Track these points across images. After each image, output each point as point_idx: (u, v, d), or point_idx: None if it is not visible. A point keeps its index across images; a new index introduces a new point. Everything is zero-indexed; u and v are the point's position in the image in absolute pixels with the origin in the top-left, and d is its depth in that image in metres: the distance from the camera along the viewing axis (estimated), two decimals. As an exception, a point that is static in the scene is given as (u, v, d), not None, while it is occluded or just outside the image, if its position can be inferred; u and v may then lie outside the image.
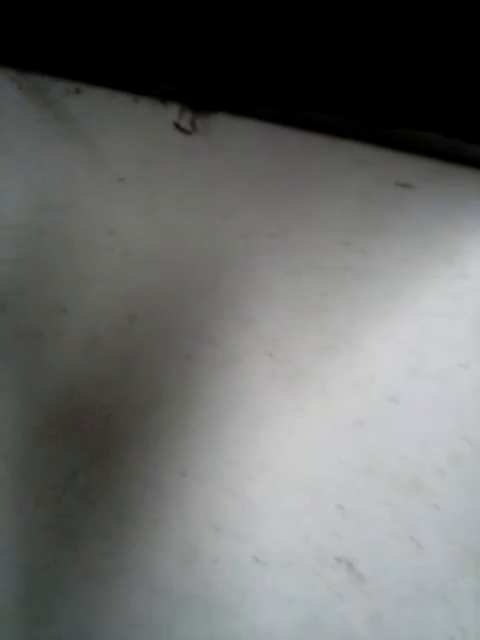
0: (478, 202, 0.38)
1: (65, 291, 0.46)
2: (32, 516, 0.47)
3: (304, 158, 0.41)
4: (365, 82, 0.35)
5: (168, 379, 0.45)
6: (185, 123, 0.42)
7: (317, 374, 0.42)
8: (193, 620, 0.44)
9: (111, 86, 0.44)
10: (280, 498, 0.43)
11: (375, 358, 0.41)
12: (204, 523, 0.45)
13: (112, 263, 0.46)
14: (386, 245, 0.40)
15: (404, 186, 0.39)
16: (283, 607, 0.43)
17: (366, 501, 0.41)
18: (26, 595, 0.47)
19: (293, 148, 0.41)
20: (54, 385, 0.47)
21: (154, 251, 0.45)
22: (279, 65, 0.38)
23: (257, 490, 0.43)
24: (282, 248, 0.42)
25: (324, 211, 0.41)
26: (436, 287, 0.40)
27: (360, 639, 0.41)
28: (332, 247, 0.41)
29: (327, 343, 0.41)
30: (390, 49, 0.34)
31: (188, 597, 0.45)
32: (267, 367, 0.42)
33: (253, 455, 0.43)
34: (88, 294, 0.46)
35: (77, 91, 0.45)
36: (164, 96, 0.42)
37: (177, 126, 0.42)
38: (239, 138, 0.42)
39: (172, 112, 0.43)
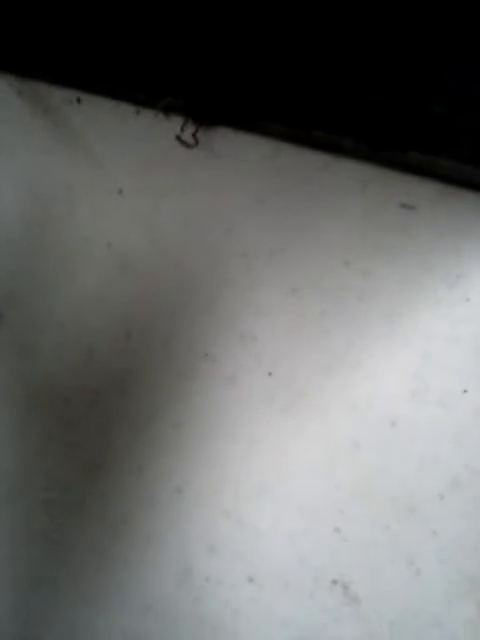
0: (483, 226, 0.38)
1: (62, 304, 0.46)
2: (26, 530, 0.47)
3: (307, 176, 0.40)
4: (378, 105, 0.34)
5: (165, 395, 0.45)
6: (187, 136, 0.42)
7: (316, 395, 0.41)
8: (186, 638, 0.44)
9: (113, 97, 0.43)
10: (276, 519, 0.42)
11: (375, 380, 0.40)
12: (198, 541, 0.44)
13: (110, 276, 0.45)
14: (388, 266, 0.40)
15: (408, 208, 0.39)
16: (277, 628, 0.42)
17: (363, 524, 0.41)
18: (17, 610, 0.46)
19: (296, 165, 0.40)
20: (50, 399, 0.46)
21: (153, 265, 0.44)
22: (284, 81, 0.37)
23: (253, 510, 0.43)
24: (282, 266, 0.41)
25: (326, 230, 0.40)
26: (437, 310, 0.39)
27: (354, 663, 0.40)
28: (333, 267, 0.40)
29: (326, 364, 0.41)
30: (404, 72, 0.33)
31: (181, 615, 0.44)
32: (266, 386, 0.42)
33: (249, 475, 0.43)
34: (85, 308, 0.45)
35: (78, 100, 0.44)
36: (167, 109, 0.41)
37: (179, 139, 0.42)
38: (242, 153, 0.41)
39: (174, 125, 0.42)
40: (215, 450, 0.43)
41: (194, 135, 0.41)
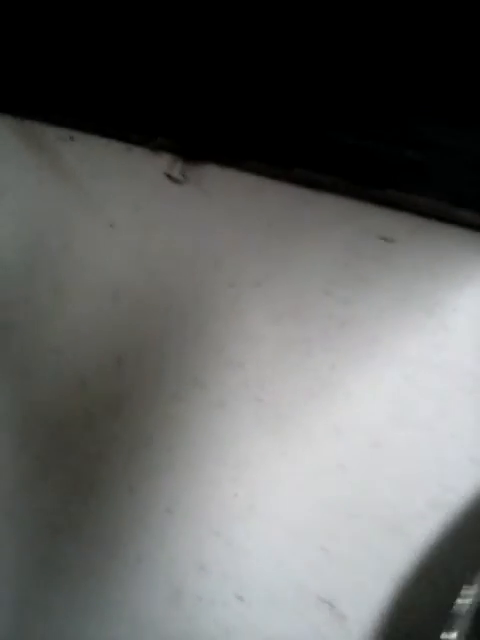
0: (459, 258, 0.40)
1: (57, 332, 0.47)
2: (19, 551, 0.48)
3: (290, 210, 0.42)
4: (355, 148, 0.36)
5: (156, 419, 0.46)
6: (176, 173, 0.44)
7: (301, 419, 0.43)
8: (178, 657, 0.45)
9: (104, 135, 0.45)
10: (264, 538, 0.44)
11: (358, 404, 0.42)
12: (188, 560, 0.45)
13: (102, 306, 0.47)
14: (368, 295, 0.42)
15: (387, 240, 0.40)
16: (266, 645, 0.44)
17: (348, 543, 0.42)
18: (10, 629, 0.47)
19: (280, 200, 0.42)
20: (45, 423, 0.48)
21: (143, 295, 0.46)
22: (268, 123, 0.39)
23: (241, 530, 0.44)
24: (268, 295, 0.43)
25: (309, 261, 0.42)
26: (417, 337, 0.41)
27: (340, 679, 0.42)
28: (316, 296, 0.42)
29: (311, 388, 0.43)
30: (379, 119, 0.35)
31: (173, 634, 0.45)
32: (254, 411, 0.44)
33: (238, 495, 0.44)
34: (79, 335, 0.47)
35: (71, 138, 0.46)
36: (157, 147, 0.43)
37: (168, 176, 0.44)
38: (229, 189, 0.43)
39: (164, 162, 0.44)
40: (204, 472, 0.45)
41: (183, 172, 0.43)
